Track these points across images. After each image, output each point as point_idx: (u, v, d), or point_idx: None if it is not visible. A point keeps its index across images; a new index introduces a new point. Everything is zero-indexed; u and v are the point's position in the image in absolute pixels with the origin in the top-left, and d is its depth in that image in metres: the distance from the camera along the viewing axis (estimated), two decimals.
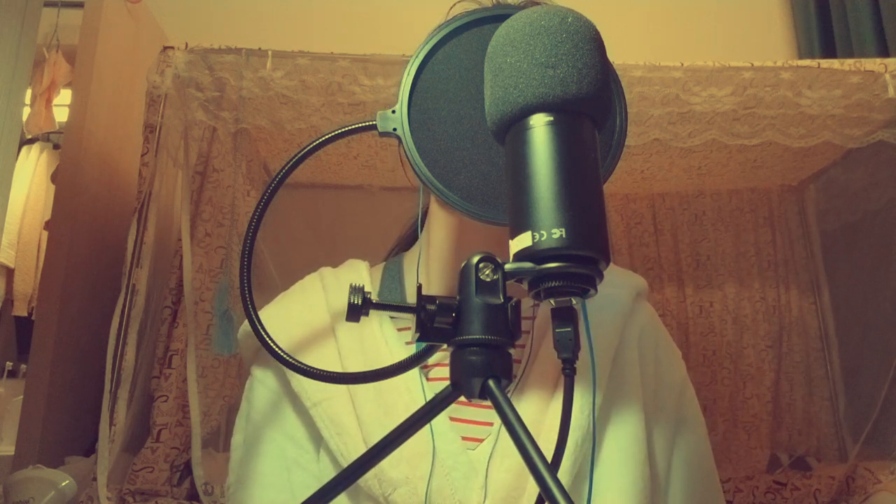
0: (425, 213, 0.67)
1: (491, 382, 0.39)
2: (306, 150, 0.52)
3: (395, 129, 0.50)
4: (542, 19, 0.40)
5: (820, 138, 1.72)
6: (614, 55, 0.50)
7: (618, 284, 0.66)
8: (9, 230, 2.45)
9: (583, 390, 0.57)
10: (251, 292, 0.51)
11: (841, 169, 2.12)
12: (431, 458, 0.56)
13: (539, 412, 0.57)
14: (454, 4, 0.61)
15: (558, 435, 0.41)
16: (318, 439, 0.61)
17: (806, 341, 2.22)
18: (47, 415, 1.55)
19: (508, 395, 0.59)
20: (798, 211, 2.33)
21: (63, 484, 1.39)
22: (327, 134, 0.52)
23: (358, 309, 0.44)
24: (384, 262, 0.72)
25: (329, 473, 0.58)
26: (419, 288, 0.44)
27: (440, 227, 0.62)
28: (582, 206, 0.37)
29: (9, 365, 2.49)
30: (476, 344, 0.40)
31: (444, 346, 0.43)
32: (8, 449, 1.78)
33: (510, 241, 0.39)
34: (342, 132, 0.52)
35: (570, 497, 0.33)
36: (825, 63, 1.62)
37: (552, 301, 0.38)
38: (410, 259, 0.69)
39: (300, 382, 0.60)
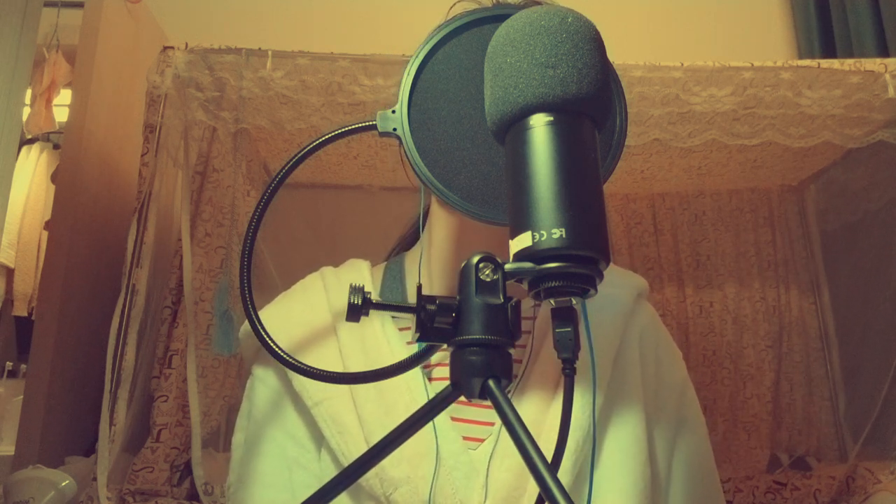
0: (426, 213, 0.67)
1: (491, 382, 0.39)
2: (306, 150, 0.52)
3: (395, 129, 0.50)
4: (542, 19, 0.40)
5: (820, 138, 1.72)
6: (614, 55, 0.50)
7: (618, 285, 0.66)
8: (9, 230, 2.45)
9: (583, 390, 0.57)
10: (251, 292, 0.51)
11: (841, 169, 2.12)
12: (433, 457, 0.56)
13: (540, 412, 0.57)
14: (454, 4, 0.61)
15: (558, 435, 0.41)
16: (319, 438, 0.61)
17: (806, 341, 2.22)
18: (47, 415, 1.55)
19: (509, 395, 0.59)
20: (798, 211, 2.33)
21: (63, 484, 1.39)
22: (327, 134, 0.52)
23: (358, 309, 0.44)
24: (385, 262, 0.72)
25: (330, 473, 0.58)
26: (419, 288, 0.44)
27: (441, 227, 0.62)
28: (582, 206, 0.37)
29: (9, 365, 2.49)
30: (476, 344, 0.40)
31: (445, 346, 0.43)
32: (8, 449, 1.78)
33: (510, 241, 0.39)
34: (342, 132, 0.52)
35: (570, 497, 0.33)
36: (825, 63, 1.62)
37: (552, 301, 0.38)
38: (412, 258, 0.69)
39: (301, 382, 0.60)
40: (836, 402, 2.15)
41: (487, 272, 0.40)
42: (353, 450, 0.56)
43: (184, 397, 1.57)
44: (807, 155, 2.03)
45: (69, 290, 1.64)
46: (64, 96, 2.01)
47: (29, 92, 1.97)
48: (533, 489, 0.55)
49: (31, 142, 2.60)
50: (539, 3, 0.57)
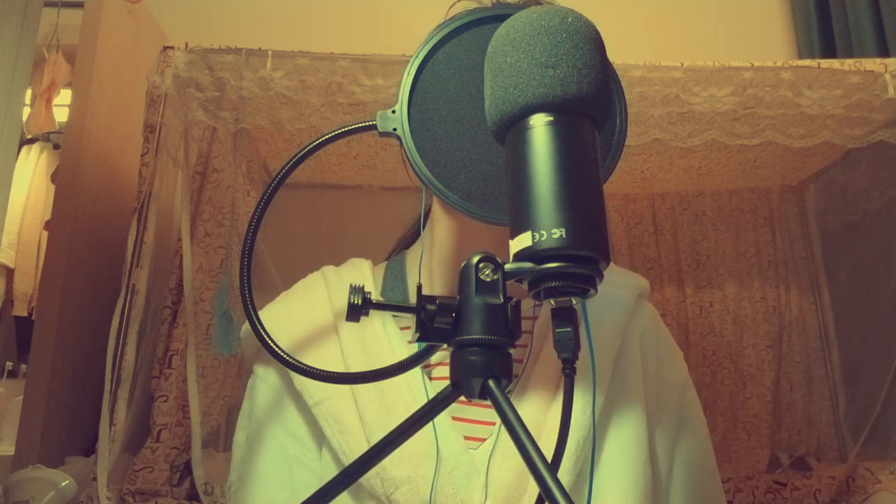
0: (428, 212, 0.67)
1: (491, 382, 0.39)
2: (306, 150, 0.52)
3: (395, 129, 0.50)
4: (542, 19, 0.40)
5: (820, 138, 1.72)
6: (614, 55, 0.50)
7: (619, 284, 0.66)
8: (9, 230, 2.45)
9: (584, 390, 0.57)
10: (251, 292, 0.51)
11: (841, 169, 2.12)
12: (434, 457, 0.56)
13: (540, 412, 0.57)
14: (453, 4, 0.61)
15: (558, 435, 0.41)
16: (320, 437, 0.61)
17: (806, 341, 2.22)
18: (47, 415, 1.55)
19: (509, 395, 0.59)
20: (798, 211, 2.33)
21: (63, 484, 1.39)
22: (327, 134, 0.52)
23: (358, 309, 0.44)
24: (386, 261, 0.72)
25: (331, 472, 0.58)
26: (419, 288, 0.44)
27: (442, 227, 0.62)
28: (582, 206, 0.37)
29: (9, 365, 2.49)
30: (476, 344, 0.40)
31: (445, 345, 0.43)
32: (8, 449, 1.78)
33: (510, 241, 0.39)
34: (342, 132, 0.52)
35: (570, 497, 0.33)
36: (825, 63, 1.62)
37: (552, 301, 0.38)
38: (413, 257, 0.69)
39: (302, 381, 0.60)
40: (836, 402, 2.15)
41: (487, 272, 0.40)
42: (355, 449, 0.56)
43: (184, 397, 1.57)
44: (807, 155, 2.03)
45: (69, 290, 1.64)
46: (64, 96, 2.01)
47: (29, 92, 1.97)
48: (534, 489, 0.55)
49: (31, 142, 2.59)
50: (539, 3, 0.57)
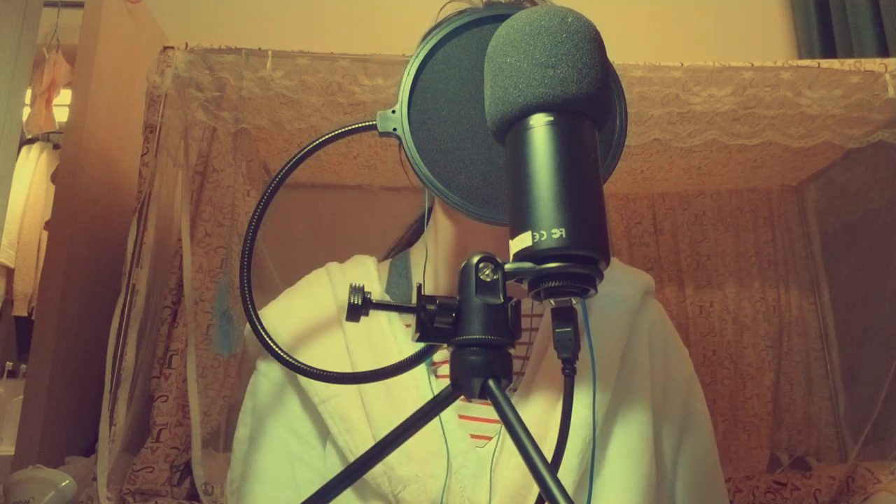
0: (430, 212, 0.67)
1: (491, 382, 0.39)
2: (306, 150, 0.52)
3: (395, 129, 0.50)
4: (542, 19, 0.40)
5: (820, 138, 1.72)
6: (614, 55, 0.50)
7: (625, 282, 0.66)
8: (9, 230, 2.45)
9: (589, 389, 0.57)
10: (251, 292, 0.51)
11: (841, 169, 2.12)
12: (442, 456, 0.56)
13: (546, 412, 0.57)
14: (444, 5, 0.61)
15: (559, 434, 0.41)
16: (323, 435, 0.61)
17: (806, 341, 2.22)
18: (47, 415, 1.55)
19: (516, 393, 0.59)
20: (798, 211, 2.33)
21: (63, 484, 1.39)
22: (327, 134, 0.52)
23: (358, 309, 0.44)
24: (391, 259, 0.72)
25: (335, 469, 0.58)
26: (419, 288, 0.44)
27: (444, 227, 0.62)
28: (582, 206, 0.37)
29: (9, 365, 2.49)
30: (476, 344, 0.40)
31: (445, 345, 0.43)
32: (8, 449, 1.78)
33: (510, 241, 0.39)
34: (342, 132, 0.52)
35: (570, 497, 0.33)
36: (825, 63, 1.62)
37: (552, 301, 0.38)
38: (417, 255, 0.69)
39: (307, 379, 0.60)
40: (836, 402, 2.15)
41: (487, 272, 0.40)
42: (361, 447, 0.56)
43: (184, 397, 1.57)
44: (807, 155, 2.03)
45: (69, 290, 1.65)
46: (64, 96, 2.01)
47: (29, 92, 1.97)
48: None
49: (31, 142, 2.60)
50: (534, 3, 0.57)
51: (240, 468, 0.63)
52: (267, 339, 0.52)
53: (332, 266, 0.69)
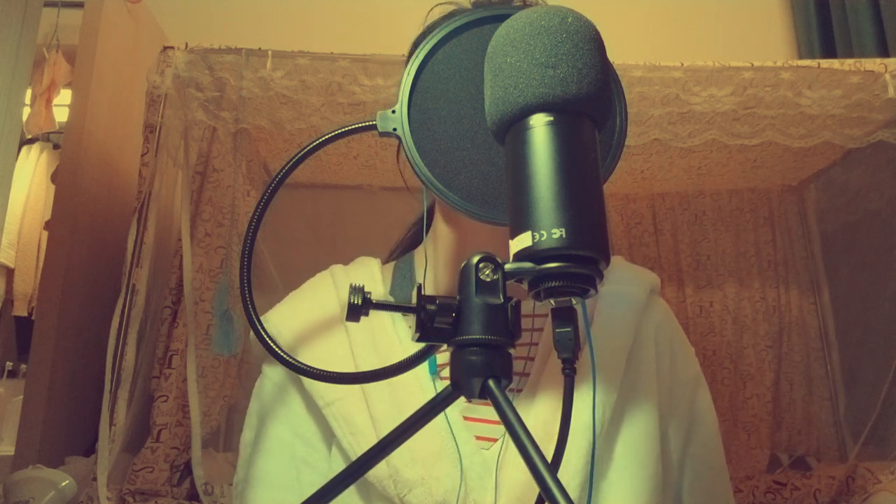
0: (430, 211, 0.67)
1: (491, 382, 0.39)
2: (306, 150, 0.52)
3: (395, 129, 0.50)
4: (542, 19, 0.40)
5: (820, 138, 1.72)
6: (614, 55, 0.50)
7: (631, 281, 0.66)
8: (9, 230, 2.45)
9: (600, 389, 0.57)
10: (251, 292, 0.51)
11: (841, 169, 2.12)
12: (448, 458, 0.56)
13: (551, 413, 0.57)
14: (432, 8, 0.61)
15: (559, 435, 0.41)
16: (329, 438, 0.61)
17: (806, 341, 2.22)
18: (47, 415, 1.55)
19: (521, 394, 0.59)
20: (798, 211, 2.33)
21: (63, 484, 1.39)
22: (327, 134, 0.52)
23: (358, 309, 0.44)
24: (395, 261, 0.72)
25: None
26: (419, 288, 0.44)
27: (444, 227, 0.62)
28: (582, 206, 0.37)
29: (9, 365, 2.49)
30: (476, 344, 0.40)
31: (444, 346, 0.43)
32: (8, 449, 1.78)
33: (510, 241, 0.39)
34: (342, 132, 0.52)
35: (571, 498, 0.33)
36: (825, 63, 1.62)
37: (552, 301, 0.38)
38: (421, 257, 0.69)
39: (312, 382, 0.60)
40: (836, 402, 2.15)
41: (487, 272, 0.40)
42: (366, 449, 0.56)
43: (184, 397, 1.57)
44: (807, 155, 2.03)
45: (69, 290, 1.64)
46: (64, 96, 2.01)
47: (29, 92, 1.97)
48: None
49: (31, 142, 2.59)
50: (528, 4, 0.57)
51: (245, 471, 0.63)
52: (266, 338, 0.52)
53: (336, 268, 0.69)
